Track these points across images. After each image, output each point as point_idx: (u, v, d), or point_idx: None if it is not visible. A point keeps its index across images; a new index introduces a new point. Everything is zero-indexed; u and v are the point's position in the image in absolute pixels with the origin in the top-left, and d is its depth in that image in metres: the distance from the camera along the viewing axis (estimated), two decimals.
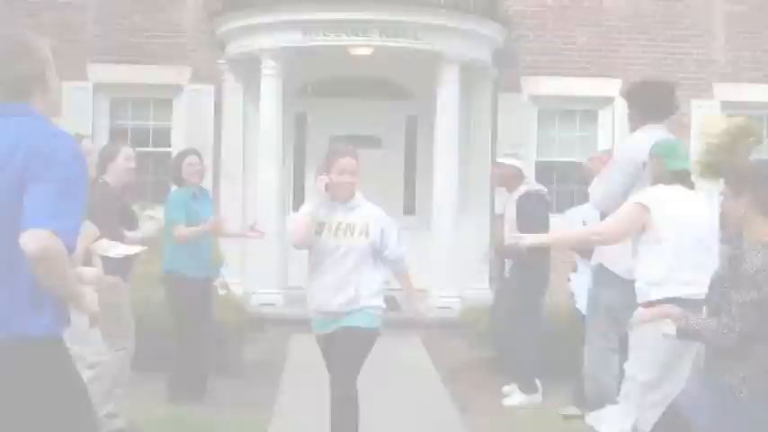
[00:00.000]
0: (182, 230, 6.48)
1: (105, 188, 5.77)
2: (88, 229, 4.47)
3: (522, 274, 6.90)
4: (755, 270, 3.41)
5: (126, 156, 5.94)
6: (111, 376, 5.74)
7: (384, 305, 4.99)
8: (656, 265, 4.54)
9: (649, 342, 4.46)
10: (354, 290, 4.82)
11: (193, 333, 6.63)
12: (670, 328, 4.02)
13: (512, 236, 5.29)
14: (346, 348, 4.84)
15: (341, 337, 4.85)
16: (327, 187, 4.78)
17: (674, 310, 3.78)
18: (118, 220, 5.62)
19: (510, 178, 7.11)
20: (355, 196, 4.91)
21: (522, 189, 7.00)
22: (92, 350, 5.10)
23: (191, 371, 6.71)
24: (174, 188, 6.86)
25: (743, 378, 3.45)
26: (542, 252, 6.88)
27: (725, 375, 3.52)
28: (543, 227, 6.82)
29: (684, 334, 3.68)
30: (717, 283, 3.65)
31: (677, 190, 4.67)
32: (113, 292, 5.73)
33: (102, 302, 5.73)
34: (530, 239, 5.10)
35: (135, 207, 6.45)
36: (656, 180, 4.76)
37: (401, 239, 5.08)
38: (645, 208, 4.59)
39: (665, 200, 4.61)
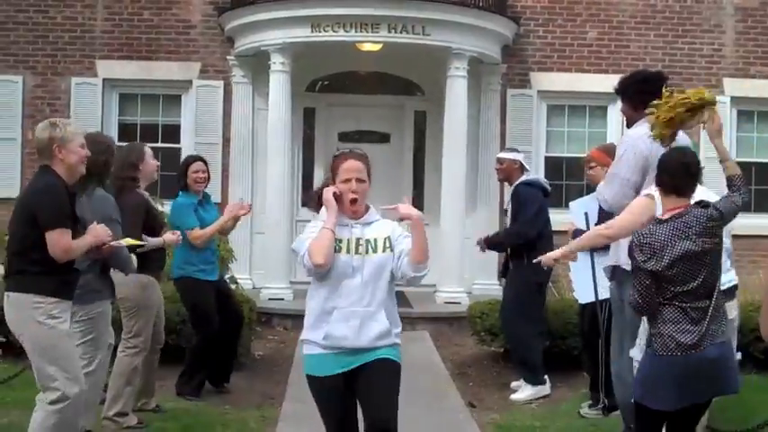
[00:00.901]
0: (199, 233, 6.50)
1: (136, 196, 5.92)
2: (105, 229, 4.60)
3: (524, 267, 6.94)
4: (631, 242, 4.08)
5: (151, 155, 6.07)
6: (122, 375, 5.80)
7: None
8: None
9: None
10: (387, 318, 4.00)
11: (211, 331, 6.67)
12: None
13: (537, 259, 5.33)
14: (385, 380, 4.00)
15: (377, 369, 3.98)
16: (337, 199, 4.01)
17: None
18: (142, 224, 5.79)
19: (511, 172, 7.19)
20: (370, 211, 4.12)
21: (522, 180, 7.14)
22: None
23: (206, 368, 6.76)
24: (180, 193, 6.80)
25: (654, 334, 4.06)
26: (545, 245, 6.96)
27: (649, 332, 4.15)
28: (536, 214, 6.90)
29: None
30: None
31: None
32: (146, 290, 5.82)
33: (133, 299, 5.87)
34: (553, 256, 5.14)
35: None
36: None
37: None
38: (652, 199, 4.68)
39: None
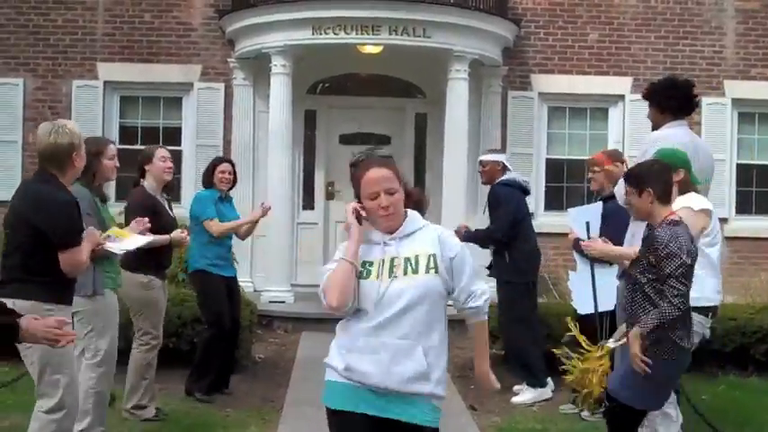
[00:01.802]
0: (218, 225, 6.68)
1: (141, 196, 6.04)
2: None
3: (508, 269, 6.93)
4: (665, 243, 4.12)
5: (161, 156, 6.14)
6: (136, 370, 5.93)
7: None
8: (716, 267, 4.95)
9: None
10: (425, 356, 3.24)
11: (221, 326, 6.73)
12: None
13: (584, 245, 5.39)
14: None
15: None
16: (361, 218, 3.30)
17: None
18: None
19: (494, 174, 7.13)
20: (408, 219, 3.33)
21: (500, 180, 7.09)
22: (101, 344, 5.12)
23: (217, 366, 6.79)
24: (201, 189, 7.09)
25: (662, 339, 4.15)
26: (523, 245, 6.95)
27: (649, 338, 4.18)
28: (511, 213, 6.86)
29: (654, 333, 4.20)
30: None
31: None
32: (143, 288, 5.87)
33: (133, 298, 5.98)
34: (598, 251, 5.24)
35: None
36: (682, 188, 4.88)
37: (477, 273, 3.44)
38: (709, 213, 4.85)
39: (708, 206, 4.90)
